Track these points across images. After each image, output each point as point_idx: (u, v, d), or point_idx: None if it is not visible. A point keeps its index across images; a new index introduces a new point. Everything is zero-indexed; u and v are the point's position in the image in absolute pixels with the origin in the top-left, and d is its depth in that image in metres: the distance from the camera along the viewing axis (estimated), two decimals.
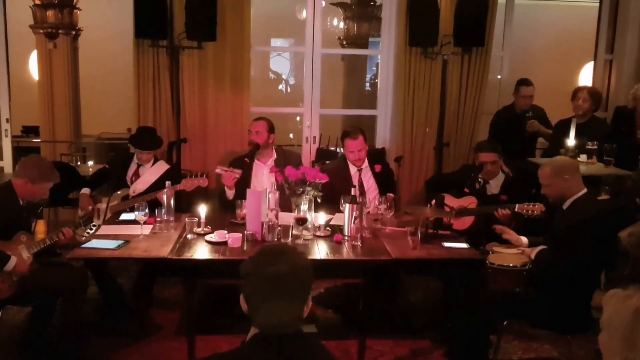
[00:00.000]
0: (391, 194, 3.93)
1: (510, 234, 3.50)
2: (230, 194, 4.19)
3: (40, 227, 3.75)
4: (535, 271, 3.20)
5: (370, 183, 4.36)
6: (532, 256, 3.23)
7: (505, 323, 3.15)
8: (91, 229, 3.59)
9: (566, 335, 3.08)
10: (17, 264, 3.20)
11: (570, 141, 4.56)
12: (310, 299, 1.68)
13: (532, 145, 5.41)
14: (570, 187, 3.18)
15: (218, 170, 4.14)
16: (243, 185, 4.15)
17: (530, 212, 3.62)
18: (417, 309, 4.28)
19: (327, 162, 4.94)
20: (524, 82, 5.22)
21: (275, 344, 1.61)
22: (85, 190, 4.41)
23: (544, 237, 3.38)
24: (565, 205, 3.21)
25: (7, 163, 5.57)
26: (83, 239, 3.61)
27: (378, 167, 4.36)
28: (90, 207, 4.27)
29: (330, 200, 3.82)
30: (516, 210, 3.68)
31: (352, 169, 4.37)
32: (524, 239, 3.45)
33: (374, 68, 8.58)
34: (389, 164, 4.82)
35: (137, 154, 4.42)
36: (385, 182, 4.37)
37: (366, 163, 4.39)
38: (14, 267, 3.19)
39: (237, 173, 4.10)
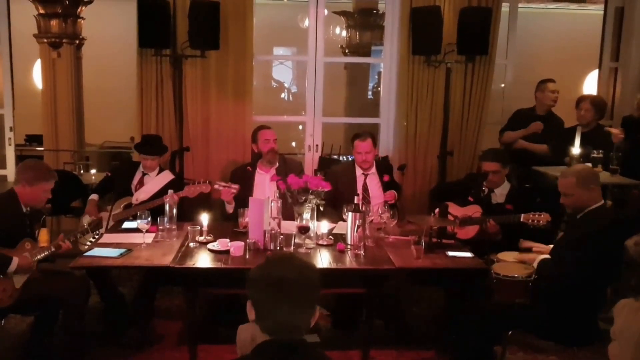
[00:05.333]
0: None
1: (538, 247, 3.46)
2: (229, 207, 4.19)
3: (43, 236, 3.75)
4: (539, 281, 3.16)
5: (376, 190, 4.36)
6: (534, 265, 3.19)
7: (509, 333, 3.11)
8: (94, 237, 3.58)
9: (573, 347, 3.04)
10: (19, 263, 3.20)
11: (575, 150, 4.53)
12: (317, 309, 1.68)
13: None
14: (594, 198, 3.14)
15: (216, 187, 4.14)
16: (246, 194, 4.14)
17: (535, 222, 3.59)
18: (420, 319, 4.24)
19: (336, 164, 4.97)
20: (549, 80, 5.20)
21: (280, 354, 1.60)
22: (94, 196, 4.43)
23: (552, 248, 3.33)
24: (579, 215, 3.16)
25: (11, 171, 5.56)
26: (86, 247, 3.60)
27: (387, 177, 4.38)
28: (95, 214, 4.28)
29: (333, 204, 3.82)
30: (522, 220, 3.65)
31: (358, 172, 4.38)
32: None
33: (376, 76, 8.59)
34: (394, 178, 4.76)
35: (141, 161, 4.42)
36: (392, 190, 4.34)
37: (374, 169, 4.41)
38: (18, 266, 3.19)
39: (234, 188, 4.10)
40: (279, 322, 1.61)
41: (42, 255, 3.34)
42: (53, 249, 3.37)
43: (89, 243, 3.70)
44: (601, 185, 3.88)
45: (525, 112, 5.27)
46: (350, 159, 4.76)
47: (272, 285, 1.61)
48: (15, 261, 3.19)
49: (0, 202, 3.41)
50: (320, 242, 3.61)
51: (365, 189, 4.29)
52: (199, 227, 3.61)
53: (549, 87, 5.15)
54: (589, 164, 4.51)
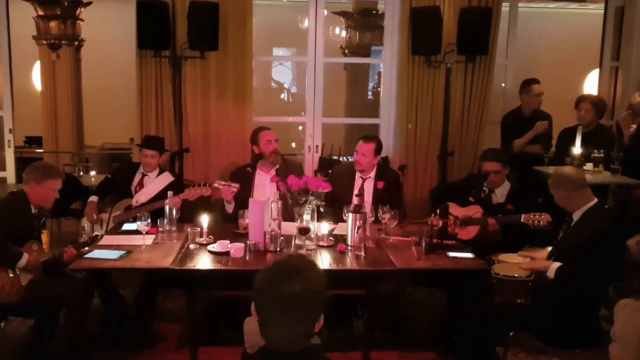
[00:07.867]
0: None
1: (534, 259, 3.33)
2: (229, 207, 4.18)
3: (43, 238, 3.76)
4: (554, 287, 3.07)
5: (370, 196, 4.27)
6: (551, 275, 3.04)
7: (511, 334, 3.09)
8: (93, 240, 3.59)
9: (575, 349, 3.02)
10: (29, 260, 3.24)
11: (576, 149, 4.52)
12: (322, 316, 1.66)
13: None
14: (573, 202, 3.11)
15: (216, 185, 4.13)
16: (246, 195, 4.12)
17: (536, 222, 3.57)
18: (421, 320, 4.23)
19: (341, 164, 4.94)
20: (533, 81, 5.14)
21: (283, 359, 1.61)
22: (93, 198, 4.42)
23: (553, 249, 3.30)
24: (576, 217, 3.13)
25: (10, 174, 5.56)
26: (86, 248, 3.59)
27: (380, 184, 4.28)
28: (94, 216, 4.27)
29: (330, 204, 3.80)
30: (522, 220, 3.64)
31: (357, 175, 4.35)
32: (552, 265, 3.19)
33: (376, 77, 8.58)
34: (397, 179, 4.61)
35: (142, 159, 4.41)
36: (386, 200, 4.25)
37: (372, 174, 4.35)
38: (27, 263, 3.22)
39: (235, 187, 4.08)
40: (279, 335, 1.60)
41: (47, 258, 3.37)
42: (57, 253, 3.39)
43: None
44: (604, 185, 3.85)
45: (513, 116, 5.26)
46: (351, 160, 4.72)
47: (277, 299, 1.57)
48: (25, 257, 3.22)
49: (12, 202, 3.46)
50: (321, 243, 3.60)
51: (360, 193, 4.23)
52: (199, 229, 3.60)
53: (534, 91, 5.12)
54: (591, 164, 4.51)
